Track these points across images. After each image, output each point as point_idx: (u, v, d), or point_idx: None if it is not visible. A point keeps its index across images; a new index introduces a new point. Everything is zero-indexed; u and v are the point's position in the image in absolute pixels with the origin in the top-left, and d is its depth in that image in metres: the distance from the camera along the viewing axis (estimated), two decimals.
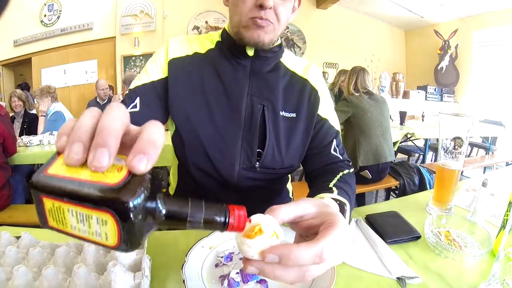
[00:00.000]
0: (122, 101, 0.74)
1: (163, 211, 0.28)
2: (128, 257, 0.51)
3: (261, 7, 0.61)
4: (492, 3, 4.47)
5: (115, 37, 4.65)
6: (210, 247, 0.58)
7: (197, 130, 0.72)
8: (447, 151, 0.76)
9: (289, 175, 0.91)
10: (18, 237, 0.56)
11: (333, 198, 0.54)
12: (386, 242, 0.62)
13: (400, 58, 6.23)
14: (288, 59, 0.80)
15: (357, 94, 2.17)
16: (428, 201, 0.82)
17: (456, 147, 0.75)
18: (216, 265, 0.54)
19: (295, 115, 0.75)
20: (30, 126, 2.98)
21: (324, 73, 5.10)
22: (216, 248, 0.58)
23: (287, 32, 5.19)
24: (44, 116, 2.79)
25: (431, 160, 4.01)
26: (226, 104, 0.72)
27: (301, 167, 0.84)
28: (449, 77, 5.48)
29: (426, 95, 5.18)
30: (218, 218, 0.31)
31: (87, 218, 0.25)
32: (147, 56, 4.49)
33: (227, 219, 0.31)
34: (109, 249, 0.28)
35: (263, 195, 0.82)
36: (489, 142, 3.65)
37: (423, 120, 4.16)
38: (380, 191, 2.87)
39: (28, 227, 0.69)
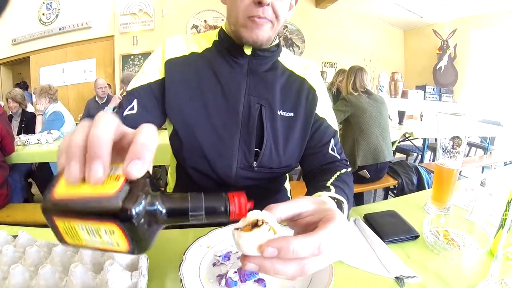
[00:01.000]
0: (120, 103, 0.73)
1: (164, 211, 0.29)
2: (125, 256, 0.51)
3: (259, 4, 0.60)
4: (491, 4, 4.48)
5: (113, 36, 4.64)
6: (208, 246, 0.58)
7: (195, 131, 0.71)
8: (446, 151, 0.76)
9: (287, 174, 0.91)
10: (15, 236, 0.55)
11: (330, 197, 0.54)
12: (384, 242, 0.62)
13: (398, 58, 6.24)
14: (286, 58, 0.80)
15: (356, 94, 2.17)
16: (426, 201, 0.82)
17: (455, 146, 0.75)
18: (214, 264, 0.54)
19: (292, 114, 0.75)
20: (27, 125, 2.97)
21: (322, 72, 5.10)
22: (213, 247, 0.58)
23: (286, 31, 5.19)
24: (41, 115, 2.78)
25: (429, 160, 4.01)
26: (223, 104, 0.72)
27: (299, 167, 0.84)
28: (448, 77, 5.50)
29: (424, 95, 5.19)
30: (219, 207, 0.31)
31: (96, 231, 0.26)
32: (145, 55, 4.49)
33: (228, 207, 0.31)
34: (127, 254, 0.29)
35: (261, 194, 0.81)
36: (487, 142, 3.66)
37: (421, 119, 4.16)
38: (379, 190, 2.87)
39: (26, 226, 0.69)
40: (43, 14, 4.55)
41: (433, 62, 5.70)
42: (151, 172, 0.31)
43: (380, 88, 4.87)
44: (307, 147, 0.78)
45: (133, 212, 0.25)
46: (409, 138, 3.19)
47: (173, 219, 0.30)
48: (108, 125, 0.27)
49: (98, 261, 0.50)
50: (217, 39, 0.76)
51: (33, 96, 2.90)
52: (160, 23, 4.63)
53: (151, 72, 0.73)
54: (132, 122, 0.64)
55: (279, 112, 0.73)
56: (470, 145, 3.98)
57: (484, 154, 3.66)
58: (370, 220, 0.71)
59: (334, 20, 5.42)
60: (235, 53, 0.72)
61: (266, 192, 0.84)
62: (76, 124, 3.10)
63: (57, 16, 4.53)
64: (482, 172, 3.24)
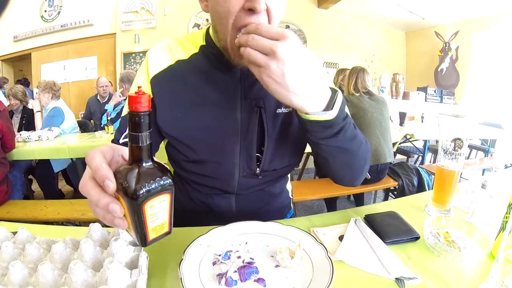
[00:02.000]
0: (118, 128, 0.72)
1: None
2: (125, 254, 0.51)
3: (251, 11, 0.52)
4: (493, 6, 4.47)
5: (115, 33, 4.63)
6: (208, 245, 0.58)
7: (192, 146, 0.69)
8: (447, 152, 0.76)
9: (288, 176, 0.91)
10: (14, 233, 0.55)
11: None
12: (385, 242, 0.62)
13: (400, 59, 6.22)
14: None
15: (358, 94, 2.17)
16: (427, 202, 0.81)
17: (456, 148, 0.75)
18: (214, 263, 0.54)
19: (291, 109, 0.70)
20: (28, 121, 2.97)
21: None
22: (213, 246, 0.58)
23: None
24: (40, 111, 2.78)
25: (430, 162, 4.01)
26: (219, 114, 0.67)
27: (299, 166, 0.84)
28: (449, 79, 5.49)
29: (426, 97, 5.17)
30: None
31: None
32: None
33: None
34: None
35: (264, 198, 0.80)
36: (488, 144, 3.66)
37: (422, 121, 4.16)
38: (379, 191, 2.87)
39: (25, 222, 0.69)
40: (45, 11, 4.54)
41: (434, 63, 5.68)
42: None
43: (382, 89, 4.87)
44: None
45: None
46: (410, 140, 3.18)
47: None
48: (97, 159, 0.37)
49: (98, 259, 0.50)
50: (204, 43, 0.70)
51: (34, 92, 2.89)
52: (162, 21, 4.62)
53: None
54: None
55: (279, 110, 0.69)
56: (471, 147, 3.97)
57: (485, 156, 3.66)
58: (370, 221, 0.70)
59: (336, 20, 5.41)
60: (225, 63, 0.65)
61: (268, 195, 0.82)
62: (77, 121, 3.11)
63: (58, 13, 4.52)
64: (483, 174, 3.24)
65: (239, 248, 0.58)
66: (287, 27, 5.09)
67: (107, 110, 2.96)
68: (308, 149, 0.74)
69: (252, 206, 0.79)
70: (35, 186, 2.97)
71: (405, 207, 0.81)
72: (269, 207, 0.82)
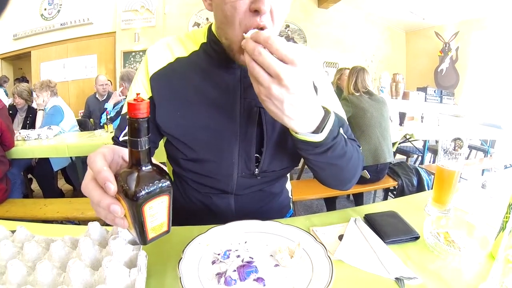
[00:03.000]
0: (119, 125, 0.72)
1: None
2: (124, 253, 0.50)
3: (256, 12, 0.52)
4: (493, 7, 4.47)
5: (115, 32, 4.64)
6: (207, 245, 0.58)
7: (190, 146, 0.68)
8: (447, 152, 0.76)
9: (288, 175, 0.90)
10: (13, 231, 0.55)
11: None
12: (385, 242, 0.62)
13: (400, 59, 6.23)
14: None
15: (357, 94, 2.17)
16: (426, 202, 0.81)
17: (456, 148, 0.75)
18: (213, 262, 0.53)
19: None
20: (33, 120, 2.93)
21: None
22: (212, 245, 0.58)
23: (287, 30, 5.17)
24: (43, 110, 2.77)
25: (430, 161, 4.01)
26: (218, 113, 0.67)
27: (299, 165, 0.83)
28: (449, 79, 5.49)
29: (425, 97, 5.19)
30: None
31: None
32: None
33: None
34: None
35: (263, 198, 0.80)
36: (488, 145, 3.66)
37: (422, 121, 4.16)
38: (378, 191, 2.87)
39: (25, 221, 0.68)
40: (45, 9, 4.54)
41: (434, 64, 5.69)
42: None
43: (381, 89, 4.87)
44: None
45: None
46: (410, 140, 3.18)
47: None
48: (98, 162, 0.39)
49: (96, 258, 0.50)
50: (205, 41, 0.69)
51: (34, 92, 2.87)
52: (162, 20, 4.62)
53: (138, 92, 0.68)
54: None
55: None
56: (471, 147, 3.98)
57: (485, 157, 3.67)
58: (370, 221, 0.70)
59: (336, 20, 5.41)
60: (226, 60, 0.65)
61: (268, 196, 0.81)
62: (77, 120, 3.10)
63: (58, 11, 4.52)
64: (482, 175, 3.24)
65: (239, 247, 0.58)
66: (287, 26, 5.09)
67: (106, 108, 2.95)
68: None
69: (251, 206, 0.78)
70: (34, 185, 2.96)
71: (405, 207, 0.80)
72: (268, 207, 0.82)
